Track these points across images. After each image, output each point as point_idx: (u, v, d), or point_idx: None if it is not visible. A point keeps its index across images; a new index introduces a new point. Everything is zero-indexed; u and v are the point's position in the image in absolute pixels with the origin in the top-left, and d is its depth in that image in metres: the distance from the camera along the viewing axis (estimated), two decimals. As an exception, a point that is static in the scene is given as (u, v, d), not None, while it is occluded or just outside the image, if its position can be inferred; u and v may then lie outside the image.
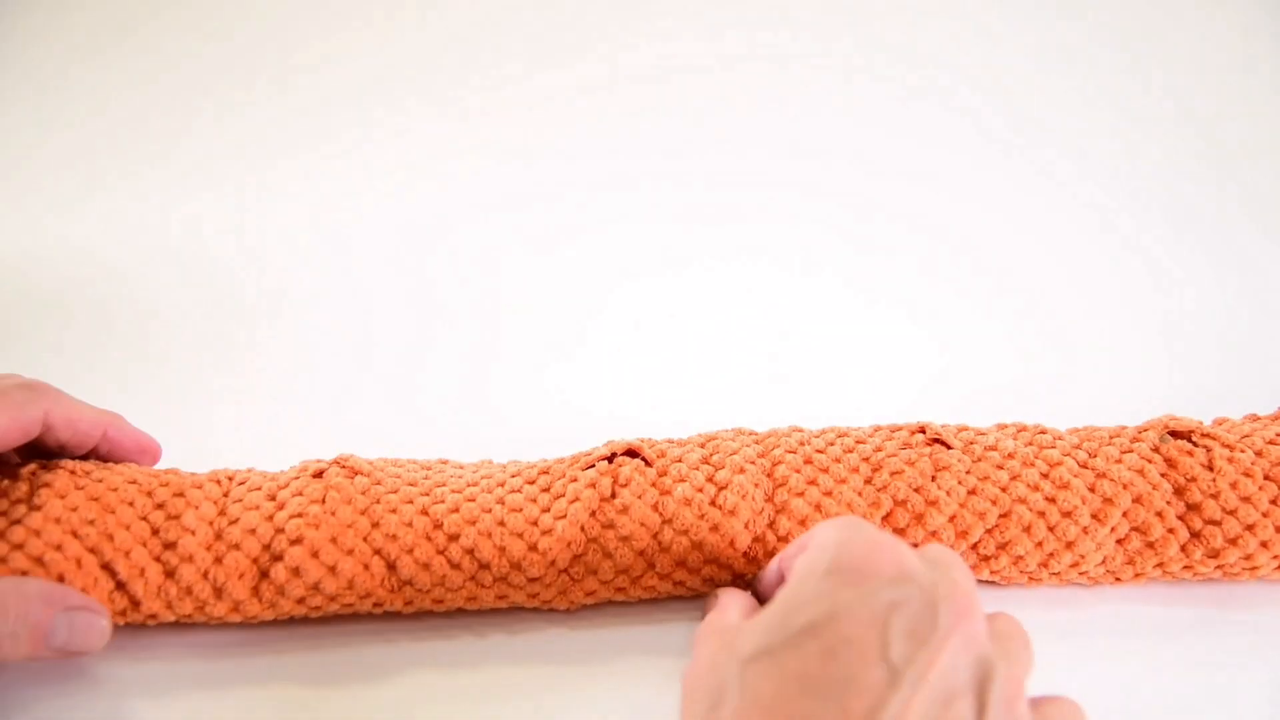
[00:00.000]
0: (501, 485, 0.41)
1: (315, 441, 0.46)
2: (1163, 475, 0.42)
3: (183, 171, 0.72)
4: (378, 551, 0.39)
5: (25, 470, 0.39)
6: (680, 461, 0.41)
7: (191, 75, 0.73)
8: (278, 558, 0.38)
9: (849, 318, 0.64)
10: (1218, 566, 0.42)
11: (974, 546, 0.41)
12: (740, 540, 0.40)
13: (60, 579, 0.36)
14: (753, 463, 0.41)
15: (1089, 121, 0.76)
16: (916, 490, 0.41)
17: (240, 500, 0.39)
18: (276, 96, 0.74)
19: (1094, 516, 0.41)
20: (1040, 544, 0.41)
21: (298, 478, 0.40)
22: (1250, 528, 0.41)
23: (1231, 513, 0.41)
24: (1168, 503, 0.41)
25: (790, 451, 0.42)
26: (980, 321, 0.64)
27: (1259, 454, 0.42)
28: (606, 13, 0.76)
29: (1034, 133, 0.75)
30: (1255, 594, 0.43)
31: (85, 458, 0.41)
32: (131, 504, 0.38)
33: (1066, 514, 0.41)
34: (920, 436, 0.43)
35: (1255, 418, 0.47)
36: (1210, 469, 0.42)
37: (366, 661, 0.40)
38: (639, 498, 0.40)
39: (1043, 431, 0.44)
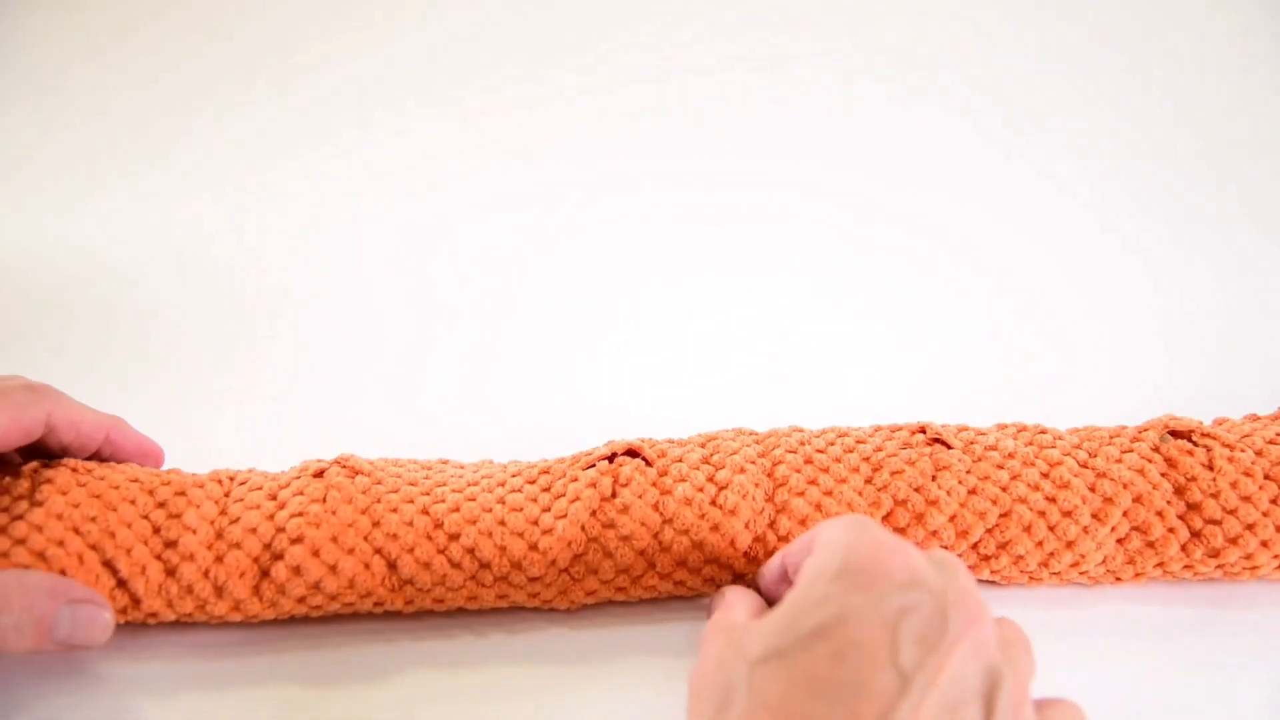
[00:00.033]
0: (502, 485, 0.41)
1: (316, 441, 0.46)
2: (1163, 475, 0.42)
3: (183, 172, 0.72)
4: (378, 551, 0.39)
5: (27, 467, 0.39)
6: (681, 461, 0.41)
7: (192, 76, 0.73)
8: (278, 556, 0.38)
9: (849, 317, 0.64)
10: (1218, 566, 0.42)
11: (974, 546, 0.41)
12: (741, 540, 0.40)
13: (62, 575, 0.36)
14: (753, 462, 0.41)
15: (1089, 122, 0.76)
16: (917, 490, 0.41)
17: (241, 499, 0.39)
18: (275, 97, 0.74)
19: (1094, 516, 0.41)
20: (1041, 543, 0.41)
21: (298, 477, 0.40)
22: (1250, 527, 0.41)
23: (1232, 512, 0.41)
24: (1168, 502, 0.41)
25: (791, 451, 0.42)
26: (980, 321, 0.64)
27: (1259, 453, 0.42)
28: (607, 13, 0.76)
29: (1034, 133, 0.75)
30: (1255, 594, 0.43)
31: (88, 461, 0.41)
32: (133, 502, 0.38)
33: (1067, 513, 0.41)
34: (921, 436, 0.43)
35: (1255, 417, 0.47)
36: (1210, 468, 0.42)
37: (367, 661, 0.40)
38: (639, 497, 0.40)
39: (1043, 431, 0.44)
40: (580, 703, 0.38)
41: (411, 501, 0.40)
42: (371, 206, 0.71)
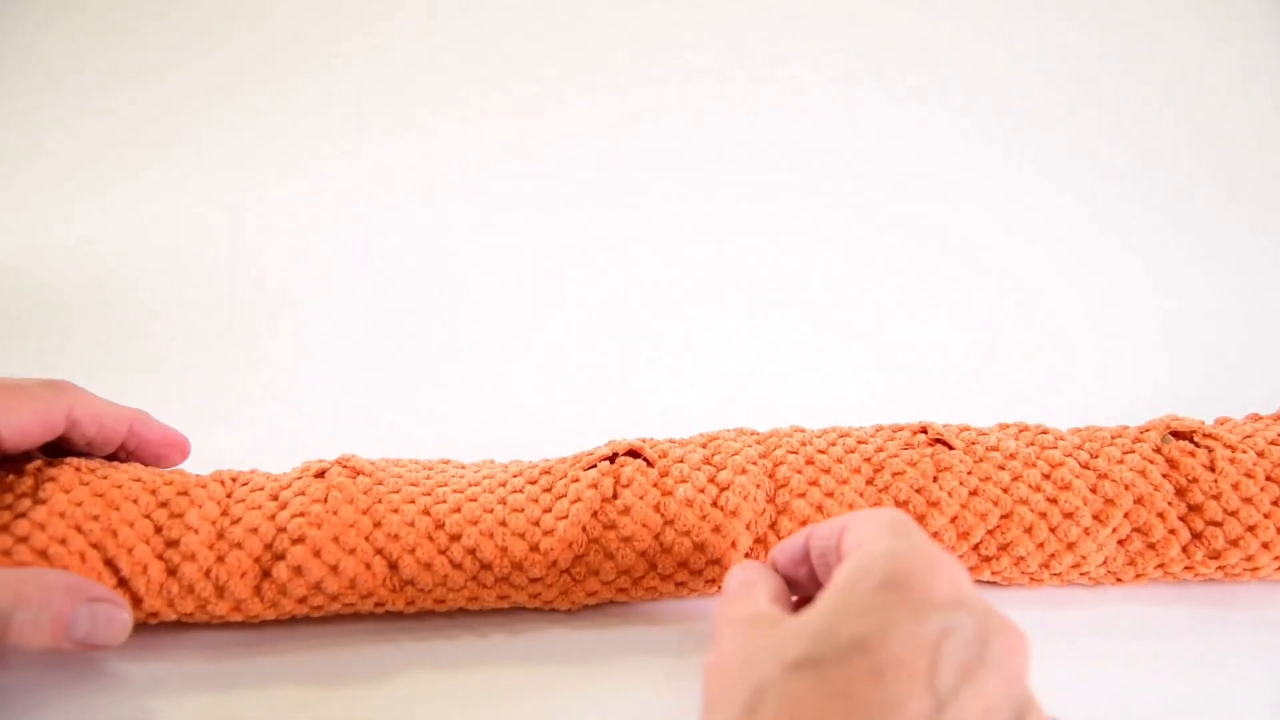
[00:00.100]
0: (503, 485, 0.41)
1: (317, 441, 0.46)
2: (1164, 476, 0.42)
3: (184, 173, 0.72)
4: (380, 551, 0.39)
5: (31, 466, 0.39)
6: (682, 462, 0.41)
7: (195, 77, 0.73)
8: (280, 557, 0.38)
9: (850, 317, 0.64)
10: (1219, 567, 0.42)
11: (975, 547, 0.41)
12: (742, 541, 0.40)
13: None
14: (754, 463, 0.41)
15: (1089, 123, 0.76)
16: (918, 491, 0.41)
17: (243, 500, 0.39)
18: (275, 100, 0.74)
19: (1095, 517, 0.41)
20: (1042, 545, 0.41)
21: (300, 477, 0.40)
22: (1252, 529, 0.41)
23: (1233, 514, 0.41)
24: (1169, 504, 0.41)
25: (792, 452, 0.42)
26: (981, 321, 0.64)
27: (1261, 455, 0.42)
28: (606, 17, 0.76)
29: (1035, 134, 0.76)
30: (1256, 594, 0.43)
31: (114, 456, 0.41)
32: (135, 501, 0.38)
33: (1068, 515, 0.41)
34: (922, 437, 0.43)
35: (1257, 417, 0.47)
36: (1212, 470, 0.42)
37: (368, 661, 0.40)
38: (641, 498, 0.40)
39: (1044, 432, 0.44)
40: (581, 703, 0.38)
41: (413, 502, 0.40)
42: (373, 207, 0.71)
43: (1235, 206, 0.72)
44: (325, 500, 0.39)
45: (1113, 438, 0.44)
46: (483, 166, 0.73)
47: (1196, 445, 0.43)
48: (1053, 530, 0.41)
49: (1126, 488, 0.41)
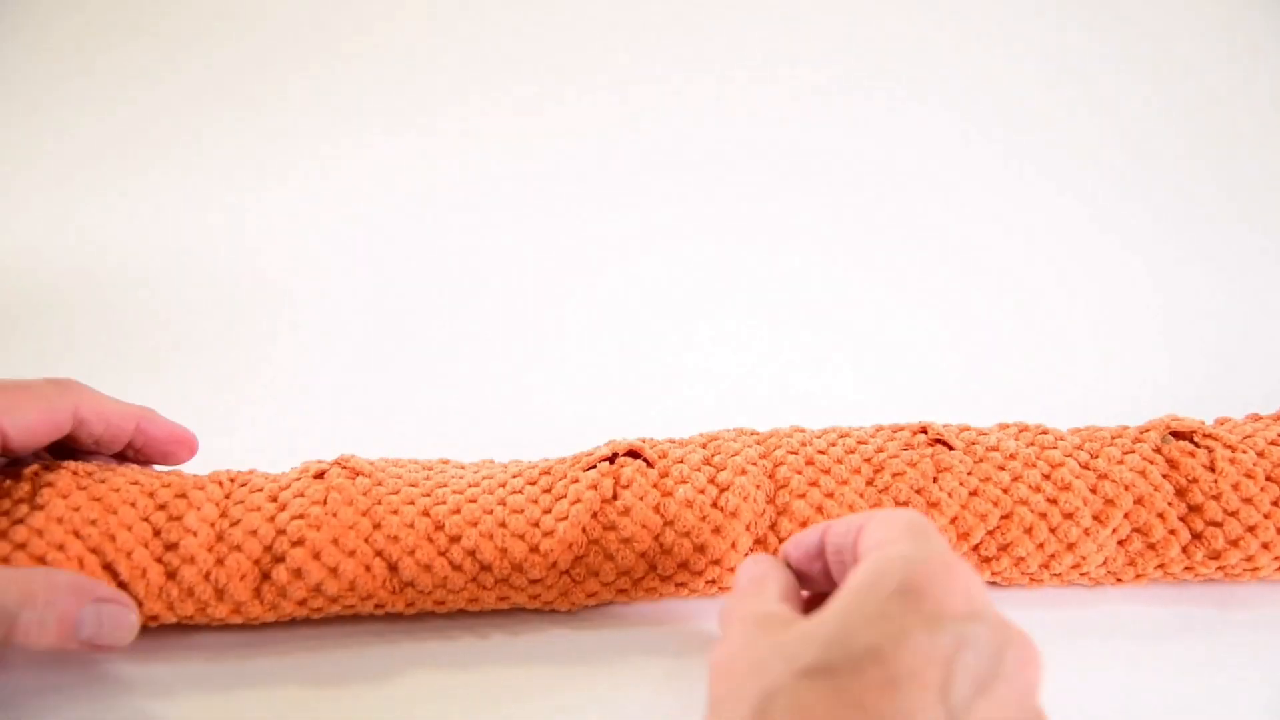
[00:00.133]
0: (503, 486, 0.41)
1: (317, 441, 0.46)
2: (1164, 476, 0.42)
3: (184, 173, 0.72)
4: (379, 553, 0.39)
5: (28, 470, 0.39)
6: (682, 463, 0.41)
7: (195, 76, 0.73)
8: (279, 559, 0.38)
9: (850, 316, 0.64)
10: (1219, 568, 0.42)
11: (975, 548, 0.41)
12: (742, 543, 0.40)
13: None
14: (754, 464, 0.41)
15: (1089, 123, 0.76)
16: (918, 492, 0.41)
17: (242, 501, 0.39)
18: (276, 101, 0.74)
19: (1095, 518, 0.41)
20: (1042, 545, 0.41)
21: (299, 479, 0.40)
22: (1252, 529, 0.41)
23: (1233, 514, 0.41)
24: (1169, 504, 0.41)
25: (792, 452, 0.42)
26: (981, 320, 0.64)
27: (1261, 455, 0.42)
28: (603, 16, 0.76)
29: (1035, 135, 0.76)
30: (1256, 594, 0.43)
31: (121, 454, 0.41)
32: (133, 504, 0.38)
33: (1068, 515, 0.41)
34: (922, 437, 0.43)
35: (1257, 417, 0.47)
36: (1212, 470, 0.42)
37: (368, 662, 0.40)
38: (641, 499, 0.40)
39: (1044, 432, 0.44)
40: (581, 704, 0.38)
41: (412, 503, 0.40)
42: (374, 207, 0.71)
43: (1235, 206, 0.72)
44: (325, 502, 0.39)
45: (1113, 438, 0.44)
46: (483, 167, 0.73)
47: (1196, 445, 0.43)
48: (1053, 531, 0.41)
49: (1127, 488, 0.41)
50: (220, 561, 0.38)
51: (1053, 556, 0.41)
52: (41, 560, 0.36)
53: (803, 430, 0.44)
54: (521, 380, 0.58)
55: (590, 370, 0.59)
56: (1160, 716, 0.38)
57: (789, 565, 0.36)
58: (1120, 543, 0.42)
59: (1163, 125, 0.76)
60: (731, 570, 0.40)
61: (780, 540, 0.40)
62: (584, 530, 0.39)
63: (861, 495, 0.41)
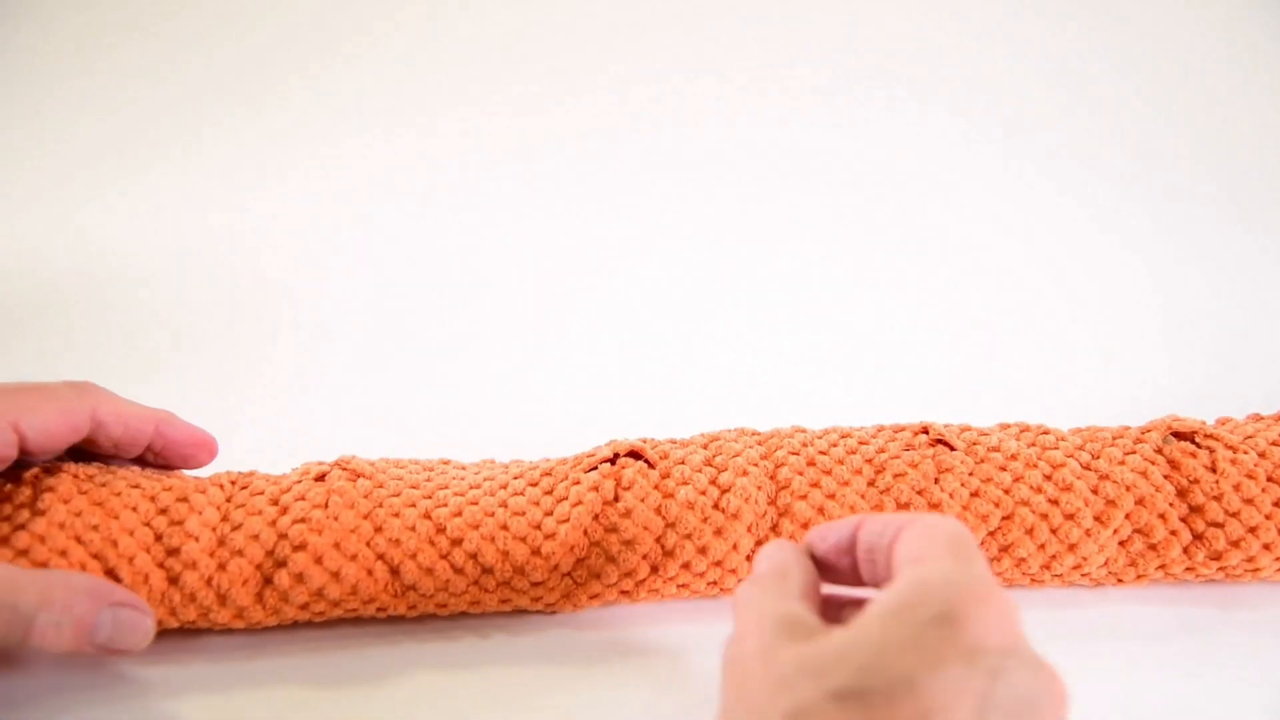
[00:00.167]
0: (504, 488, 0.41)
1: (318, 441, 0.46)
2: (1166, 477, 0.42)
3: (185, 174, 0.72)
4: (381, 556, 0.39)
5: (28, 474, 0.38)
6: (684, 464, 0.41)
7: (197, 77, 0.73)
8: (281, 564, 0.38)
9: (851, 316, 0.64)
10: (1220, 569, 0.42)
11: (977, 549, 0.41)
12: (743, 544, 0.40)
13: None
14: (756, 465, 0.41)
15: (1089, 123, 0.76)
16: (920, 493, 0.41)
17: (243, 505, 0.39)
18: (277, 101, 0.74)
19: (1097, 519, 0.41)
20: (1043, 546, 0.41)
21: (300, 481, 0.40)
22: (1253, 530, 0.41)
23: (1234, 515, 0.41)
24: (1170, 505, 0.41)
25: (793, 453, 0.42)
26: (982, 320, 0.64)
27: (1262, 455, 0.42)
28: (603, 17, 0.76)
29: (1035, 135, 0.76)
30: (1257, 594, 0.43)
31: (140, 458, 0.41)
32: (135, 509, 0.38)
33: (1069, 516, 0.41)
34: (923, 437, 0.43)
35: (1258, 418, 0.47)
36: (1213, 471, 0.42)
37: (369, 663, 0.40)
38: (642, 501, 0.40)
39: (1046, 432, 0.44)
40: (583, 704, 0.38)
41: (414, 505, 0.40)
42: (375, 207, 0.71)
43: (1235, 206, 0.72)
44: (326, 505, 0.39)
45: (1114, 438, 0.44)
46: (484, 167, 0.73)
47: (1198, 446, 0.43)
48: (1054, 532, 0.41)
49: (1128, 489, 0.41)
50: (222, 566, 0.38)
51: (1054, 557, 0.41)
52: (44, 567, 0.36)
53: (804, 430, 0.44)
54: (522, 380, 0.58)
55: (591, 369, 0.59)
56: (1161, 717, 0.38)
57: (812, 556, 0.34)
58: (1121, 543, 0.42)
59: (1163, 125, 0.76)
60: (733, 572, 0.40)
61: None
62: (585, 532, 0.39)
63: (863, 496, 0.41)
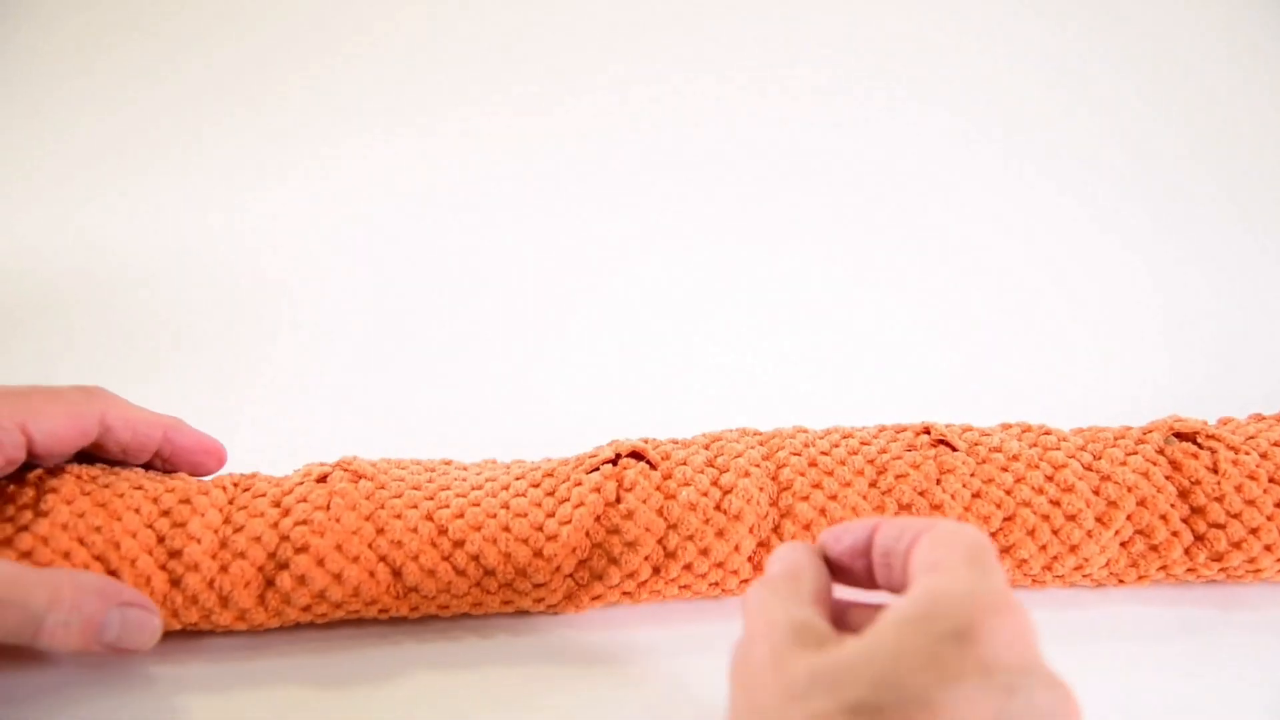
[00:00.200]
0: (506, 489, 0.41)
1: (319, 442, 0.46)
2: (1167, 478, 0.42)
3: (185, 174, 0.72)
4: (383, 558, 0.39)
5: (32, 475, 0.38)
6: (685, 464, 0.41)
7: (197, 77, 0.73)
8: (283, 565, 0.38)
9: (852, 315, 0.64)
10: (1222, 570, 0.42)
11: (979, 550, 0.41)
12: (745, 546, 0.40)
13: None
14: (757, 465, 0.41)
15: (1090, 124, 0.76)
16: (921, 494, 0.41)
17: (245, 506, 0.39)
18: (277, 101, 0.74)
19: (1098, 520, 0.41)
20: (1044, 548, 0.41)
21: (301, 483, 0.40)
22: (1254, 531, 0.41)
23: (1236, 516, 0.41)
24: (1172, 506, 0.41)
25: (795, 454, 0.42)
26: (983, 320, 0.64)
27: (1264, 457, 0.42)
28: (604, 18, 0.76)
29: (1035, 135, 0.76)
30: (1259, 595, 0.43)
31: (149, 464, 0.41)
32: (137, 510, 0.38)
33: (1071, 518, 0.41)
34: (925, 438, 0.43)
35: (1260, 418, 0.46)
36: (1215, 472, 0.42)
37: (372, 663, 0.40)
38: (644, 503, 0.40)
39: (1047, 432, 0.44)
40: (585, 705, 0.38)
41: (415, 507, 0.39)
42: (375, 207, 0.71)
43: (1235, 207, 0.72)
44: (328, 507, 0.39)
45: (1116, 439, 0.44)
46: (484, 167, 0.73)
47: (1200, 447, 0.43)
48: (1055, 533, 0.41)
49: (1129, 490, 0.41)
50: (224, 569, 0.38)
51: (1055, 558, 0.41)
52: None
53: (806, 430, 0.44)
54: (523, 379, 0.58)
55: (592, 369, 0.59)
56: (1162, 717, 0.38)
57: (826, 557, 0.34)
58: (1123, 544, 0.42)
59: (1162, 125, 0.76)
60: (735, 573, 0.40)
61: (784, 543, 0.40)
62: (587, 534, 0.39)
63: (865, 497, 0.41)
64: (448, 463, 0.44)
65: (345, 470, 0.41)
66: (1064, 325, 0.64)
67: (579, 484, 0.40)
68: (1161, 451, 0.43)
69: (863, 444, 0.43)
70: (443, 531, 0.39)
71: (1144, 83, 0.77)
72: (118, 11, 0.72)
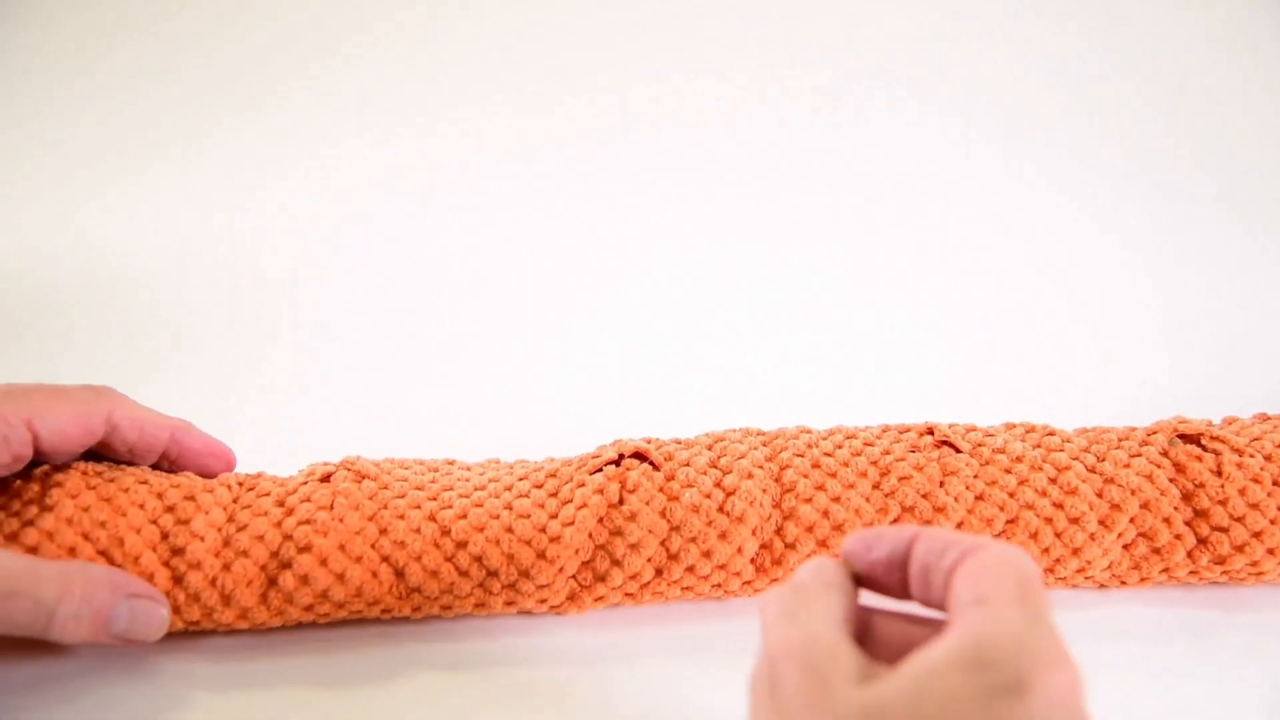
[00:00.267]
0: (509, 489, 0.41)
1: (322, 442, 0.46)
2: (1171, 480, 0.42)
3: (186, 174, 0.72)
4: (386, 559, 0.39)
5: (37, 470, 0.38)
6: (688, 465, 0.41)
7: (197, 77, 0.73)
8: (286, 565, 0.38)
9: (854, 315, 0.64)
10: (1224, 572, 0.42)
11: (981, 551, 0.41)
12: (748, 548, 0.40)
13: None
14: (761, 466, 0.41)
15: (1091, 124, 0.76)
16: (924, 496, 0.41)
17: (249, 505, 0.39)
18: (278, 101, 0.74)
19: (1101, 523, 0.41)
20: (1047, 550, 0.41)
21: (305, 483, 0.40)
22: (1258, 534, 0.41)
23: (1239, 519, 0.41)
24: (1175, 509, 0.41)
25: (798, 455, 0.42)
26: (985, 320, 0.64)
27: (1268, 459, 0.42)
28: (604, 18, 0.75)
29: (1036, 136, 0.76)
30: (1260, 596, 0.43)
31: (156, 465, 0.41)
32: (142, 506, 0.38)
33: (1074, 520, 0.41)
34: (929, 438, 0.43)
35: (1265, 418, 0.46)
36: (1219, 474, 0.41)
37: (375, 664, 0.40)
38: (647, 504, 0.40)
39: (1051, 433, 0.44)
40: (588, 706, 0.38)
41: (418, 507, 0.39)
42: (376, 207, 0.71)
43: (1235, 207, 0.73)
44: (331, 507, 0.39)
45: (1119, 440, 0.44)
46: (485, 167, 0.73)
47: (1204, 449, 0.42)
48: (1058, 535, 0.41)
49: (1133, 492, 0.41)
50: (227, 567, 0.38)
51: (1058, 561, 0.41)
52: None
53: (809, 431, 0.44)
54: (526, 379, 0.58)
55: (595, 369, 0.59)
56: (1164, 718, 0.38)
57: (853, 564, 0.32)
58: (1126, 547, 0.41)
59: (1162, 125, 0.76)
60: (737, 574, 0.40)
61: (786, 545, 0.40)
62: (590, 535, 0.39)
63: (868, 499, 0.41)
64: (451, 463, 0.44)
65: (349, 470, 0.41)
66: (1065, 325, 0.64)
67: (582, 485, 0.40)
68: (1165, 454, 0.43)
69: (866, 445, 0.43)
70: (446, 532, 0.39)
71: (1144, 83, 0.77)
72: (118, 11, 0.72)
